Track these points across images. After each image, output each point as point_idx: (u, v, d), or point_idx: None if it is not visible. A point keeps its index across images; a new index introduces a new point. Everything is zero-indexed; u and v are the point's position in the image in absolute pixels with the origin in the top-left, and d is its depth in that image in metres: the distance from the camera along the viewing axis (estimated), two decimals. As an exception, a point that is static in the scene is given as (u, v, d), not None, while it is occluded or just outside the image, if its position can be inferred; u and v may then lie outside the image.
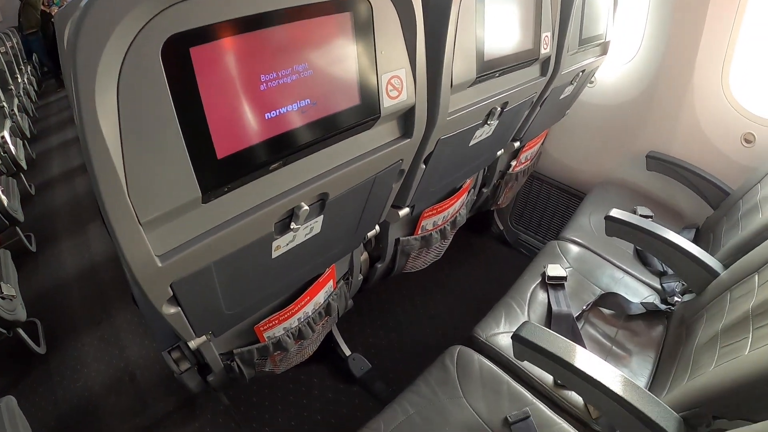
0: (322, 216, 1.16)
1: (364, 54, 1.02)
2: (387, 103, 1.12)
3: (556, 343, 1.38)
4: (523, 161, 2.48)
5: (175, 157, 0.78)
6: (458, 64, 1.32)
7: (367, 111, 1.09)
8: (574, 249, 2.22)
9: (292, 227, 1.07)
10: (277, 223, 1.05)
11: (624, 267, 2.20)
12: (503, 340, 1.73)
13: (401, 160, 1.30)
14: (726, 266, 1.83)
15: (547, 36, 1.75)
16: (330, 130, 1.02)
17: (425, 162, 1.47)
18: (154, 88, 0.73)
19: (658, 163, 2.60)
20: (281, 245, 1.13)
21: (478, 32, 1.37)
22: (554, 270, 1.99)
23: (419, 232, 1.87)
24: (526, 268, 2.07)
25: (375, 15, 1.02)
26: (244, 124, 0.86)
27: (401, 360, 2.33)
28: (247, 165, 0.90)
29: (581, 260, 2.17)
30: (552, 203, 3.03)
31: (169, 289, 0.96)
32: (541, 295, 1.93)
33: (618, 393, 1.29)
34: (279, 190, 0.99)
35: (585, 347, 1.76)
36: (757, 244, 1.72)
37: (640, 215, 2.45)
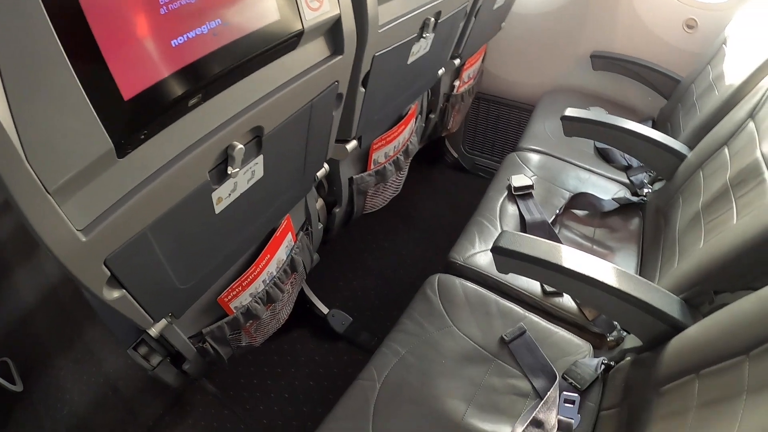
0: (261, 156, 1.02)
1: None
2: (309, 15, 0.97)
3: (538, 246, 1.30)
4: (466, 80, 2.38)
5: (74, 105, 0.63)
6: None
7: (287, 27, 0.94)
8: (535, 157, 2.14)
9: (229, 172, 0.93)
10: (212, 170, 0.90)
11: (588, 167, 2.15)
12: (482, 259, 1.65)
13: (336, 82, 1.17)
14: (691, 148, 1.79)
15: None
16: (249, 52, 0.87)
17: (364, 84, 1.35)
18: (31, 21, 0.57)
19: (603, 61, 2.55)
20: (223, 197, 0.99)
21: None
22: (519, 180, 1.91)
23: (372, 166, 1.76)
24: (489, 185, 1.99)
25: None
26: (148, 55, 0.71)
27: (381, 305, 2.25)
28: (161, 104, 0.74)
29: (544, 167, 2.09)
30: (502, 122, 2.95)
31: (104, 268, 0.81)
32: (511, 208, 1.85)
33: (614, 285, 1.22)
34: (205, 130, 0.85)
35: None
36: (720, 119, 1.68)
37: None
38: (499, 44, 2.70)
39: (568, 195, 1.93)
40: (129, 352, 1.21)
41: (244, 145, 0.92)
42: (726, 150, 1.56)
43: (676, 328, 1.16)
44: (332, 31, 1.10)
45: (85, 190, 0.70)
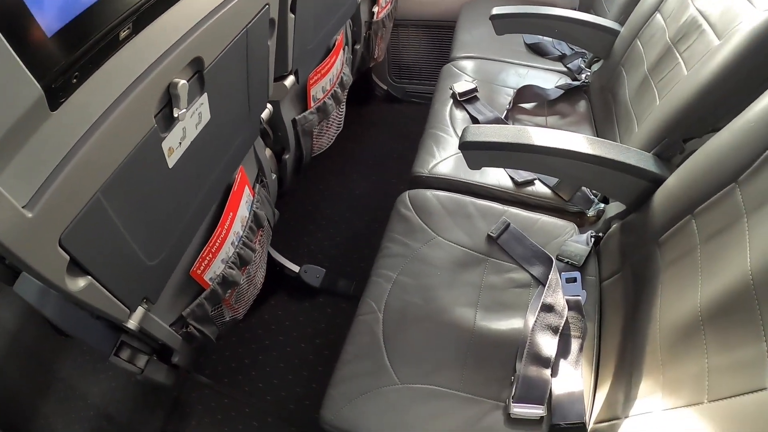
0: (206, 94, 0.93)
1: None
2: None
3: (506, 131, 1.29)
4: (383, 5, 2.29)
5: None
6: None
7: None
8: (470, 63, 2.09)
9: (176, 114, 0.84)
10: (158, 114, 0.81)
11: (525, 63, 2.12)
12: (446, 167, 1.61)
13: (267, 4, 1.08)
14: (621, 24, 1.80)
15: None
16: None
17: (293, 10, 1.26)
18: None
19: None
20: (173, 146, 0.89)
21: None
22: (462, 86, 1.86)
23: (312, 104, 1.67)
24: (433, 98, 1.93)
25: None
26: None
27: (350, 248, 2.21)
28: (89, 38, 0.64)
29: (482, 71, 2.05)
30: (425, 43, 2.86)
31: (61, 250, 0.70)
32: (460, 114, 1.81)
33: (589, 152, 1.23)
34: (142, 66, 0.75)
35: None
36: None
37: None
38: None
39: (512, 92, 1.91)
40: (112, 360, 1.11)
41: (187, 81, 0.83)
42: (659, 15, 1.56)
43: (655, 182, 1.18)
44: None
45: (21, 156, 0.59)
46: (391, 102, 3.04)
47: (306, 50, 1.47)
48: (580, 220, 1.52)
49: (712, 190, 0.94)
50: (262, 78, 1.22)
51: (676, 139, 1.27)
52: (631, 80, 1.60)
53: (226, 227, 1.25)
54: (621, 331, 1.13)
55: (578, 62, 2.08)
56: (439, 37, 2.81)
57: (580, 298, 1.23)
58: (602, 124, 1.75)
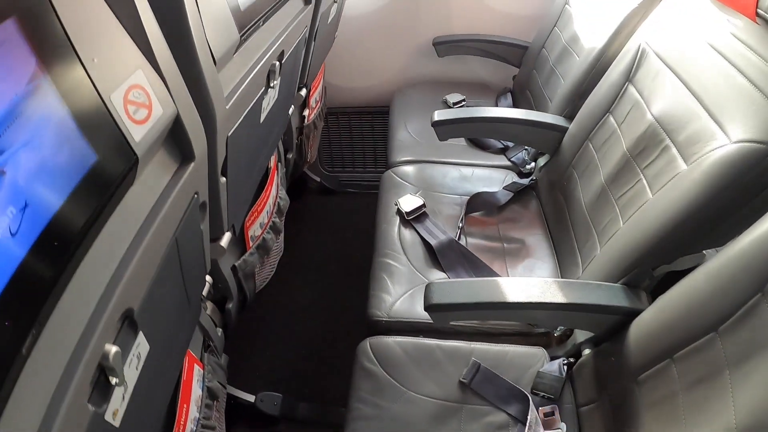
0: (141, 333, 0.76)
1: (66, 76, 0.59)
2: (137, 133, 0.69)
3: (474, 289, 1.21)
4: (314, 106, 2.19)
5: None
6: (212, 29, 0.92)
7: (113, 164, 0.66)
8: (411, 169, 1.98)
9: (114, 383, 0.67)
10: (92, 394, 0.64)
11: (467, 161, 2.04)
12: (404, 306, 1.48)
13: (196, 193, 0.93)
14: (567, 117, 1.78)
15: None
16: (75, 227, 0.59)
17: (223, 173, 1.11)
18: None
19: (447, 46, 2.46)
20: (117, 407, 0.72)
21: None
22: (408, 203, 1.75)
23: (250, 244, 1.53)
24: (377, 217, 1.81)
25: (60, 11, 0.58)
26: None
27: (306, 367, 2.05)
28: None
29: (424, 177, 1.95)
30: (357, 130, 2.79)
31: None
32: (410, 235, 1.69)
33: (559, 302, 1.18)
34: (60, 363, 0.58)
35: (483, 263, 1.60)
36: (589, 88, 1.67)
37: (453, 103, 2.34)
38: (336, 55, 2.52)
39: (459, 200, 1.83)
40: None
41: (117, 343, 0.67)
42: (611, 118, 1.52)
43: (628, 314, 1.16)
44: (173, 135, 0.83)
45: None
46: (326, 194, 2.92)
47: (241, 201, 1.33)
48: (547, 340, 1.45)
49: (691, 337, 0.92)
50: (198, 263, 1.07)
51: (646, 269, 1.22)
52: (586, 187, 1.54)
53: (182, 422, 1.09)
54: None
55: (522, 155, 2.03)
56: (371, 122, 2.75)
57: (561, 430, 1.20)
58: (556, 228, 1.69)
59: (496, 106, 2.38)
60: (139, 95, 0.69)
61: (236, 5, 1.04)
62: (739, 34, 1.18)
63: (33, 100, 0.52)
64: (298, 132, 2.12)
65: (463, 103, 2.34)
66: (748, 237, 0.89)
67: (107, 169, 0.65)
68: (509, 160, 2.04)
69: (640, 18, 1.65)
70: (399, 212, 1.75)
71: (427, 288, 1.20)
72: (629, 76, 1.47)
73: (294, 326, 2.19)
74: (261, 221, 1.57)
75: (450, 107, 2.31)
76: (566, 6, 2.08)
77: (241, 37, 1.05)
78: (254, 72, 1.13)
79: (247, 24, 1.09)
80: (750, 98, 1.09)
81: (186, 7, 0.80)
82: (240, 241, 1.51)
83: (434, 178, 1.93)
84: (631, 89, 1.45)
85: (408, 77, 2.61)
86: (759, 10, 1.04)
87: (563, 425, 1.20)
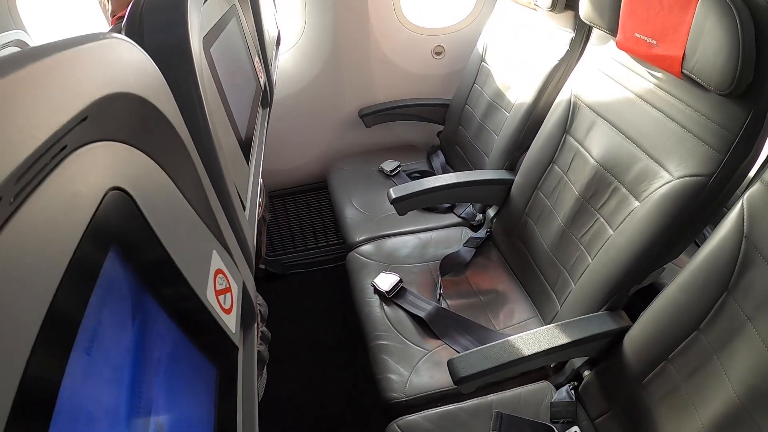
0: None
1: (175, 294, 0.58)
2: (231, 322, 0.70)
3: (493, 354, 1.31)
4: (260, 200, 2.23)
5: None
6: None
7: (226, 365, 0.69)
8: (371, 247, 2.04)
9: None
10: None
11: (422, 227, 2.13)
12: (418, 381, 1.53)
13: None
14: (508, 169, 1.95)
15: (257, 62, 1.49)
16: None
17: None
18: None
19: (372, 116, 2.55)
20: None
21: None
22: (385, 281, 1.81)
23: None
24: (354, 301, 1.85)
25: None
26: None
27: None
28: None
29: (389, 252, 2.01)
30: (293, 209, 2.82)
31: None
32: (394, 312, 1.74)
33: (563, 343, 1.33)
34: None
35: (472, 321, 1.69)
36: (526, 140, 1.85)
37: (389, 171, 2.44)
38: (271, 137, 2.56)
39: (428, 266, 1.91)
40: None
41: None
42: (556, 167, 1.66)
43: (618, 334, 1.33)
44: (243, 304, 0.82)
45: None
46: (273, 280, 2.84)
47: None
48: (545, 372, 1.55)
49: (679, 339, 1.13)
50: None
51: (624, 293, 1.39)
52: (545, 231, 1.68)
53: None
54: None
55: (470, 210, 2.15)
56: (307, 200, 2.79)
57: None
58: (522, 272, 1.80)
59: (429, 165, 2.50)
60: (222, 281, 0.70)
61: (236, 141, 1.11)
62: (665, 87, 1.35)
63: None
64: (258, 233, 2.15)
65: (399, 168, 2.44)
66: (705, 250, 1.11)
67: (224, 374, 0.67)
68: (459, 216, 2.15)
69: (563, 72, 1.82)
70: (377, 292, 1.80)
71: (451, 364, 1.28)
72: (566, 128, 1.63)
73: (294, 422, 2.16)
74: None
75: (388, 175, 2.41)
76: (483, 63, 2.24)
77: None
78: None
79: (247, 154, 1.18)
80: (683, 139, 1.27)
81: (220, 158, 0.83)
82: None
83: (398, 251, 2.00)
84: (570, 139, 1.61)
85: (339, 150, 2.68)
86: (684, 70, 1.21)
87: None
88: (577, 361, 1.46)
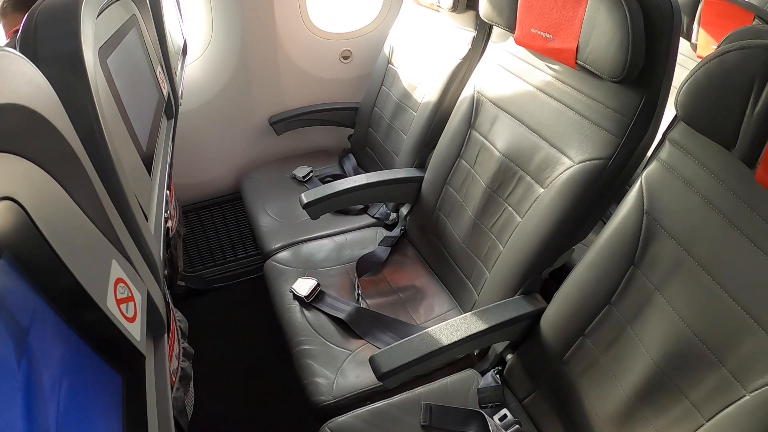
0: None
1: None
2: (136, 331, 0.68)
3: (413, 347, 1.33)
4: (173, 213, 2.17)
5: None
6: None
7: (132, 373, 0.68)
8: (288, 254, 2.01)
9: None
10: None
11: (338, 230, 2.13)
12: (344, 382, 1.53)
13: None
14: (418, 167, 2.00)
15: (159, 72, 1.44)
16: None
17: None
18: None
19: (283, 124, 2.53)
20: None
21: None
22: (303, 286, 1.79)
23: (174, 380, 1.49)
24: (274, 308, 1.82)
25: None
26: None
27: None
28: None
29: (305, 257, 1.99)
30: (209, 222, 2.74)
31: None
32: (315, 316, 1.73)
33: (483, 328, 1.37)
34: None
35: (392, 318, 1.71)
36: (434, 138, 1.90)
37: (302, 177, 2.43)
38: (178, 153, 2.49)
39: (345, 268, 1.91)
40: None
41: None
42: (463, 161, 1.71)
43: (535, 316, 1.39)
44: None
45: None
46: (194, 296, 2.76)
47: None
48: (470, 361, 1.59)
49: (592, 314, 1.20)
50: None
51: (536, 277, 1.45)
52: (457, 225, 1.72)
53: None
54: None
55: (383, 209, 2.17)
56: (223, 212, 2.74)
57: (518, 427, 1.36)
58: (438, 266, 1.84)
59: (341, 168, 2.51)
60: (124, 290, 0.69)
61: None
62: (562, 78, 1.42)
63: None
64: (165, 246, 2.09)
65: (311, 174, 2.43)
66: (610, 228, 1.19)
67: (130, 384, 0.66)
68: (373, 217, 2.17)
69: (466, 70, 1.88)
70: (297, 298, 1.79)
71: (373, 361, 1.28)
72: (470, 123, 1.67)
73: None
74: (175, 353, 1.54)
75: (301, 181, 2.40)
76: (389, 65, 2.28)
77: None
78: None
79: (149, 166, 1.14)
80: (581, 126, 1.34)
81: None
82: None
83: (314, 256, 1.99)
84: (475, 134, 1.66)
85: (252, 159, 2.64)
86: (578, 61, 1.27)
87: (515, 420, 1.37)
88: (499, 346, 1.51)
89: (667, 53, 1.18)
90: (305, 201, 1.87)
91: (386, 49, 2.33)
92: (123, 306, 0.67)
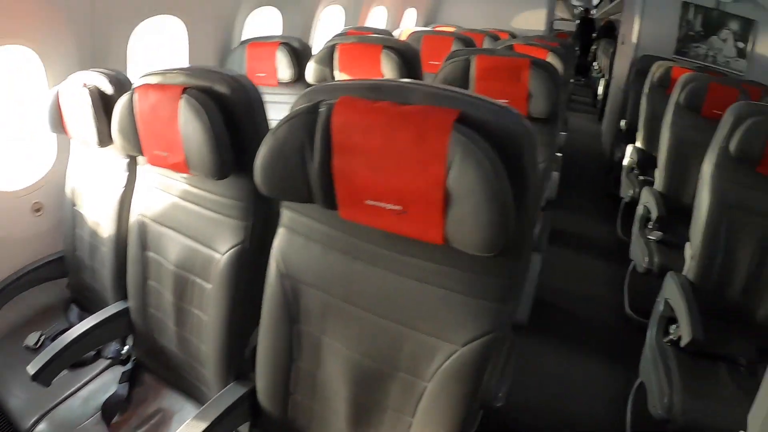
0: None
1: None
2: None
3: None
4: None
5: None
6: None
7: None
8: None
9: None
10: None
11: (79, 384, 2.02)
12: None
13: None
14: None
15: None
16: None
17: None
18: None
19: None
20: None
21: None
22: None
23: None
24: None
25: None
26: None
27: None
28: None
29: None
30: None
31: None
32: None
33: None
34: None
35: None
36: None
37: (33, 345, 2.21)
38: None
39: (93, 421, 1.85)
40: None
41: None
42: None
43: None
44: None
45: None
46: None
47: None
48: None
49: (289, 373, 1.34)
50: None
51: None
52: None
53: None
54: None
55: (113, 347, 2.11)
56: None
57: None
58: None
59: (68, 321, 2.37)
60: None
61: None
62: (196, 184, 1.58)
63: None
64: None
65: (42, 337, 2.20)
66: (266, 303, 1.35)
67: None
68: (107, 358, 2.11)
69: (131, 195, 1.86)
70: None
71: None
72: (144, 247, 1.75)
73: None
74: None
75: (35, 349, 2.20)
76: (74, 208, 2.25)
77: None
78: None
79: None
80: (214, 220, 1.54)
81: None
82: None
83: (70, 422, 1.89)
84: (151, 254, 1.73)
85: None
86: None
87: None
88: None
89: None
90: (32, 372, 1.74)
91: (68, 192, 2.27)
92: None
